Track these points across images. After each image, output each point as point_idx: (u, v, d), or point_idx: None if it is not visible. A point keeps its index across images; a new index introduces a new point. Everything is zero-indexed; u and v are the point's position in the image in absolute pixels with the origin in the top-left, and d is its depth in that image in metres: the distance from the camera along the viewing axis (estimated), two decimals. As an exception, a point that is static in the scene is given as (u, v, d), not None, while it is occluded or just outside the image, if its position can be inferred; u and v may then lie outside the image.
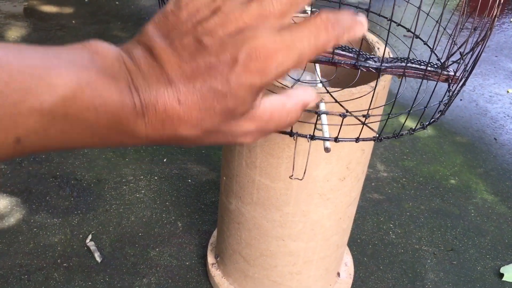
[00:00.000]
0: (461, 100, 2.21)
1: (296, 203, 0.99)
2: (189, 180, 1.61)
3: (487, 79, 2.39)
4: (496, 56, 2.62)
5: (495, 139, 1.97)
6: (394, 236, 1.49)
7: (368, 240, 1.47)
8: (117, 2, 2.69)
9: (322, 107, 0.87)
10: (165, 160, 1.68)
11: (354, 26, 0.28)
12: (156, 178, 1.60)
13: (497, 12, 0.63)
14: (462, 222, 1.56)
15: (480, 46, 0.71)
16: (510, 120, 2.10)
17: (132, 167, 1.64)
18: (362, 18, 0.29)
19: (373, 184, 1.68)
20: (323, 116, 0.86)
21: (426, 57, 2.36)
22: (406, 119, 0.74)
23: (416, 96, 0.65)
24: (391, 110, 0.65)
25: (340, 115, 0.63)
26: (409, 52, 0.71)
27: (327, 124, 0.81)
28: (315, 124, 0.67)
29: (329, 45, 0.27)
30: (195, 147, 1.72)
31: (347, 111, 0.65)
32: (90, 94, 0.24)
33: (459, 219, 1.57)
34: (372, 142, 1.06)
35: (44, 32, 2.34)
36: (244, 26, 0.26)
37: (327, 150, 0.75)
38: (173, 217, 1.48)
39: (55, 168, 1.60)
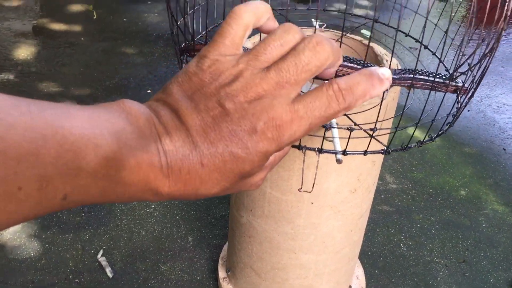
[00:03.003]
0: (468, 111, 2.21)
1: (307, 215, 1.00)
2: (199, 194, 1.61)
3: (494, 89, 2.39)
4: (503, 67, 2.62)
5: (504, 149, 1.96)
6: (405, 248, 1.48)
7: (379, 252, 1.47)
8: (124, 19, 2.72)
9: (333, 122, 0.88)
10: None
11: (370, 88, 0.30)
12: (166, 192, 1.61)
13: (504, 25, 0.63)
14: (473, 233, 1.55)
15: (487, 57, 0.71)
16: (518, 130, 2.09)
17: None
18: (383, 73, 0.30)
19: (382, 196, 1.68)
20: (334, 130, 0.86)
21: (433, 68, 2.37)
22: (414, 132, 0.74)
23: (424, 108, 0.65)
24: (398, 123, 0.66)
25: (347, 129, 0.64)
26: (417, 62, 0.72)
27: (338, 138, 0.81)
28: (323, 137, 0.68)
29: (339, 115, 0.29)
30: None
31: (355, 123, 0.66)
32: (127, 154, 0.26)
33: (470, 230, 1.57)
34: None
35: (53, 49, 2.37)
36: (263, 93, 0.28)
37: (338, 161, 0.75)
38: (183, 232, 1.48)
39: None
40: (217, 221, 1.52)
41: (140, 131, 0.27)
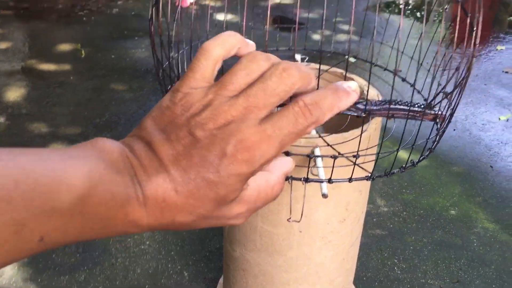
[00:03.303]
0: (454, 130, 2.25)
1: (299, 247, 1.01)
2: (193, 228, 1.63)
3: (478, 107, 2.44)
4: (485, 84, 2.67)
5: (491, 166, 2.00)
6: (399, 272, 1.50)
7: (374, 277, 1.48)
8: (112, 56, 2.76)
9: (317, 152, 0.90)
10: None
11: (337, 101, 0.30)
12: (160, 228, 1.62)
13: (474, 54, 0.67)
14: (466, 252, 1.57)
15: (460, 87, 0.75)
16: (504, 147, 2.13)
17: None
18: (349, 86, 0.31)
19: (374, 219, 1.70)
20: (318, 160, 0.89)
21: (416, 97, 2.42)
22: (395, 159, 0.77)
23: (402, 137, 0.68)
24: (379, 150, 0.68)
25: (331, 157, 0.67)
26: (392, 90, 0.75)
27: (323, 167, 0.84)
28: (308, 167, 0.71)
29: (309, 129, 0.29)
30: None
31: (339, 153, 0.69)
32: (102, 190, 0.27)
33: (462, 249, 1.58)
34: (368, 182, 1.08)
35: (43, 90, 2.40)
36: (232, 119, 0.29)
37: (324, 196, 0.77)
38: (178, 267, 1.49)
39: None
40: (212, 254, 1.53)
41: (114, 166, 0.28)
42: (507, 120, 2.34)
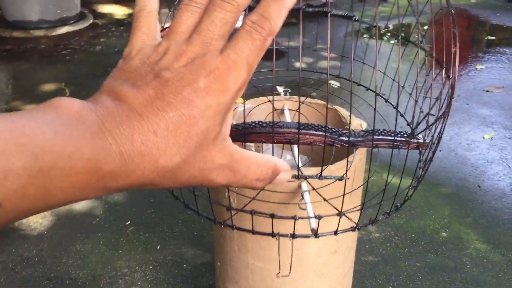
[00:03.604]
0: (440, 151, 2.27)
1: (292, 282, 1.00)
2: (185, 265, 1.61)
3: (462, 127, 2.47)
4: (468, 104, 2.71)
5: (478, 186, 2.01)
6: (394, 298, 1.49)
7: (370, 305, 1.47)
8: (97, 94, 2.77)
9: (304, 187, 0.90)
10: (158, 247, 1.68)
11: (281, 4, 0.30)
12: (151, 267, 1.60)
13: (453, 89, 0.68)
14: (459, 275, 1.57)
15: (442, 118, 0.76)
16: (490, 165, 2.15)
17: (126, 259, 1.63)
18: None
19: (367, 246, 1.69)
20: (306, 194, 0.89)
21: (400, 120, 2.44)
22: (378, 210, 0.76)
23: (386, 185, 0.68)
24: (364, 202, 0.69)
25: (316, 217, 0.66)
26: (374, 114, 0.76)
27: (311, 202, 0.84)
28: (294, 223, 0.70)
29: (268, 41, 0.30)
30: (187, 229, 1.72)
31: (324, 199, 0.68)
32: (60, 144, 0.25)
33: (455, 272, 1.58)
34: (357, 213, 1.08)
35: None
36: (194, 56, 0.29)
37: (313, 231, 0.77)
38: (172, 306, 1.46)
39: (49, 270, 1.59)
40: (205, 291, 1.51)
41: (73, 119, 0.26)
42: (491, 139, 2.36)
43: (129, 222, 1.80)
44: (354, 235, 1.06)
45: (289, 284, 1.01)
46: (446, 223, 1.80)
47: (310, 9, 0.57)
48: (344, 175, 0.70)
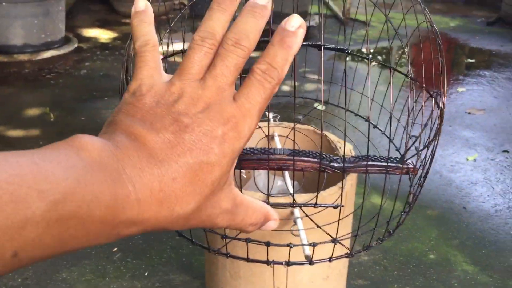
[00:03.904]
0: (425, 173, 2.29)
1: (285, 308, 1.00)
2: (173, 292, 1.59)
3: (446, 149, 2.50)
4: (450, 126, 2.76)
5: (464, 208, 2.04)
6: (385, 322, 1.48)
7: (360, 330, 1.46)
8: (82, 118, 2.75)
9: (297, 213, 0.91)
10: (146, 274, 1.66)
11: (288, 51, 0.30)
12: (139, 294, 1.58)
13: (441, 121, 0.69)
14: (448, 297, 1.58)
15: (432, 144, 0.77)
16: (474, 187, 2.18)
17: (113, 286, 1.61)
18: (292, 26, 0.31)
19: (356, 269, 1.69)
20: (299, 221, 0.89)
21: (385, 140, 2.47)
22: (372, 236, 0.77)
23: (380, 210, 0.69)
24: (358, 228, 0.69)
25: (310, 245, 0.67)
26: (368, 142, 0.77)
27: (304, 229, 0.84)
28: (289, 250, 0.70)
29: (276, 88, 0.31)
30: (175, 255, 1.71)
31: (317, 226, 0.69)
32: (81, 192, 0.24)
33: (444, 294, 1.59)
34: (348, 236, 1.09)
35: (12, 157, 2.36)
36: (210, 101, 0.29)
37: (307, 258, 0.77)
38: (160, 334, 1.44)
39: (34, 299, 1.56)
40: (194, 318, 1.49)
41: (95, 163, 0.26)
42: (475, 160, 2.40)
43: (116, 249, 1.77)
44: (346, 260, 1.06)
45: (282, 311, 1.00)
46: (433, 245, 1.81)
47: (304, 43, 0.59)
48: (339, 203, 0.70)
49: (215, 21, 0.31)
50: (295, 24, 0.30)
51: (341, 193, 0.86)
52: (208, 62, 0.31)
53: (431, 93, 0.75)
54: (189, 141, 0.28)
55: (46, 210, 0.23)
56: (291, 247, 0.66)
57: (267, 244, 0.66)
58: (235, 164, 0.32)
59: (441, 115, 0.76)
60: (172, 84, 0.30)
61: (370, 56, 0.61)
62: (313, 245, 0.66)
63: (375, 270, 1.69)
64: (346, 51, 0.59)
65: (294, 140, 1.02)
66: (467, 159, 2.41)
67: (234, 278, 1.00)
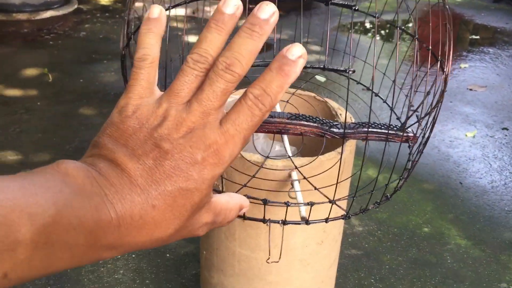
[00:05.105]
0: (423, 147, 2.29)
1: (278, 271, 1.00)
2: (168, 255, 1.60)
3: (445, 124, 2.50)
4: (451, 102, 2.74)
5: (460, 183, 2.04)
6: (376, 291, 1.50)
7: (352, 297, 1.48)
8: (81, 80, 2.72)
9: (294, 175, 0.90)
10: (141, 236, 1.67)
11: (285, 79, 0.29)
12: (134, 256, 1.59)
13: (445, 86, 0.68)
14: (440, 269, 1.59)
15: (434, 111, 0.76)
16: (472, 163, 2.18)
17: (108, 247, 1.62)
18: (292, 54, 0.30)
19: (349, 239, 1.70)
20: (296, 183, 0.89)
21: (385, 113, 2.46)
22: (370, 199, 0.76)
23: (379, 173, 0.68)
24: (355, 192, 0.69)
25: (308, 204, 0.66)
26: (370, 112, 0.76)
27: (300, 191, 0.83)
28: (286, 209, 0.69)
29: (266, 116, 0.30)
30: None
31: (315, 188, 0.68)
32: (67, 216, 0.25)
33: (436, 267, 1.60)
34: (345, 201, 1.09)
35: (9, 116, 2.34)
36: (193, 126, 0.29)
37: (303, 219, 0.77)
38: (154, 295, 1.45)
39: None
40: (188, 281, 1.50)
41: (80, 190, 0.27)
42: (474, 137, 2.40)
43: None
44: (341, 226, 1.07)
45: (275, 273, 1.01)
46: (428, 219, 1.82)
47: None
48: (338, 167, 0.70)
49: (210, 43, 0.31)
50: (296, 53, 0.30)
51: (340, 158, 0.86)
52: (198, 85, 0.30)
53: (437, 57, 0.74)
54: (168, 167, 0.28)
55: (36, 233, 0.24)
56: (288, 205, 0.66)
57: (265, 202, 0.66)
58: (213, 196, 0.33)
59: (445, 80, 0.75)
60: (159, 105, 0.30)
61: (377, 13, 0.59)
62: (310, 204, 0.66)
63: (369, 241, 1.70)
64: (353, 8, 0.57)
65: (302, 106, 1.01)
66: (466, 135, 2.40)
67: (229, 240, 1.00)
